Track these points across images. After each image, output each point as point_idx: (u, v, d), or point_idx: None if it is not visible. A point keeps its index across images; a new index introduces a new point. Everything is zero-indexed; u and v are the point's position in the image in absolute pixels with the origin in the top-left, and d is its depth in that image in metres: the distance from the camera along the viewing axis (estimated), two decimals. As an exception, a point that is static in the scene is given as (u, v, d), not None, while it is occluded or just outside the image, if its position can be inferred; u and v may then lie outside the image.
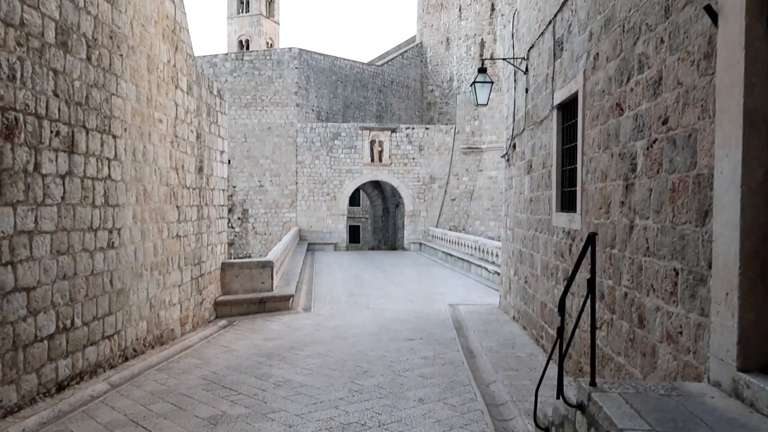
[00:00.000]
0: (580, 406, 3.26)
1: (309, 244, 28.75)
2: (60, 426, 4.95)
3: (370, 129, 30.47)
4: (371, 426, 4.94)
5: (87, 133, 6.19)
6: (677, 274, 3.64)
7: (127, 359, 7.07)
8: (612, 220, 4.88)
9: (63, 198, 5.74)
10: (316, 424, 5.01)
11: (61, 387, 5.68)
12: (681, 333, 3.57)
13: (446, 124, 35.29)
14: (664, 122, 3.89)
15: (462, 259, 20.68)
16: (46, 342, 5.44)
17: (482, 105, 10.32)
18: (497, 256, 16.89)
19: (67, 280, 5.81)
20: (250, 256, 28.86)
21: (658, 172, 3.98)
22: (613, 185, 4.88)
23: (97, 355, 6.37)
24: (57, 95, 5.62)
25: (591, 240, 3.50)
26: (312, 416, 5.21)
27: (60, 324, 5.67)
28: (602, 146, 5.21)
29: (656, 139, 4.01)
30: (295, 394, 5.90)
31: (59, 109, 5.66)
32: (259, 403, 5.60)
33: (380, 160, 30.24)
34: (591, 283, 3.43)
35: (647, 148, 4.16)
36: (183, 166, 9.10)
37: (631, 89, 4.51)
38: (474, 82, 10.09)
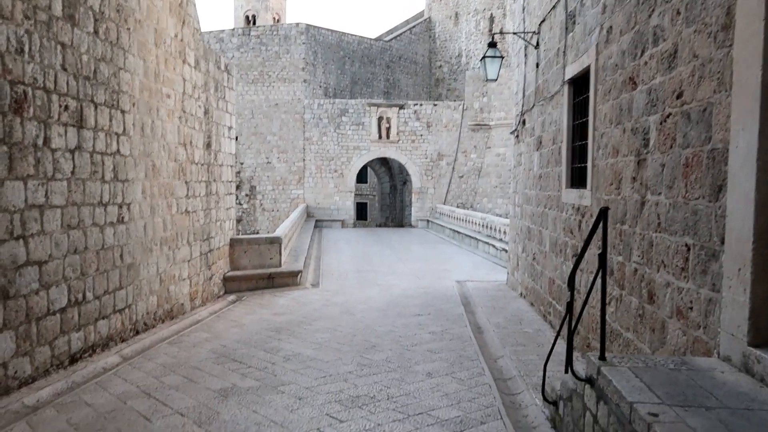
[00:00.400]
0: (590, 380, 3.27)
1: (316, 220, 28.82)
2: (74, 397, 5.04)
3: (378, 105, 30.27)
4: (380, 399, 4.99)
5: (95, 107, 6.18)
6: (689, 249, 3.62)
7: (138, 333, 7.16)
8: (623, 196, 4.85)
9: (73, 172, 5.75)
10: (326, 396, 5.07)
11: (73, 359, 5.77)
12: (691, 308, 3.57)
13: (454, 100, 35.01)
14: (679, 96, 3.83)
15: (469, 236, 20.69)
16: (58, 315, 5.51)
17: (492, 80, 10.20)
18: (505, 233, 16.88)
19: (78, 255, 5.86)
20: (258, 233, 29.00)
21: (671, 147, 3.93)
22: (625, 161, 4.83)
23: (108, 328, 6.46)
24: (65, 69, 5.60)
25: (603, 214, 3.48)
26: (321, 389, 5.27)
27: (72, 297, 5.74)
28: (614, 121, 5.15)
29: (670, 114, 3.96)
30: (304, 367, 5.97)
31: (67, 83, 5.65)
32: (269, 376, 5.67)
33: (388, 136, 30.08)
34: (602, 257, 3.42)
35: (660, 123, 4.11)
36: (191, 142, 9.09)
37: (645, 63, 4.43)
38: (484, 57, 9.96)
